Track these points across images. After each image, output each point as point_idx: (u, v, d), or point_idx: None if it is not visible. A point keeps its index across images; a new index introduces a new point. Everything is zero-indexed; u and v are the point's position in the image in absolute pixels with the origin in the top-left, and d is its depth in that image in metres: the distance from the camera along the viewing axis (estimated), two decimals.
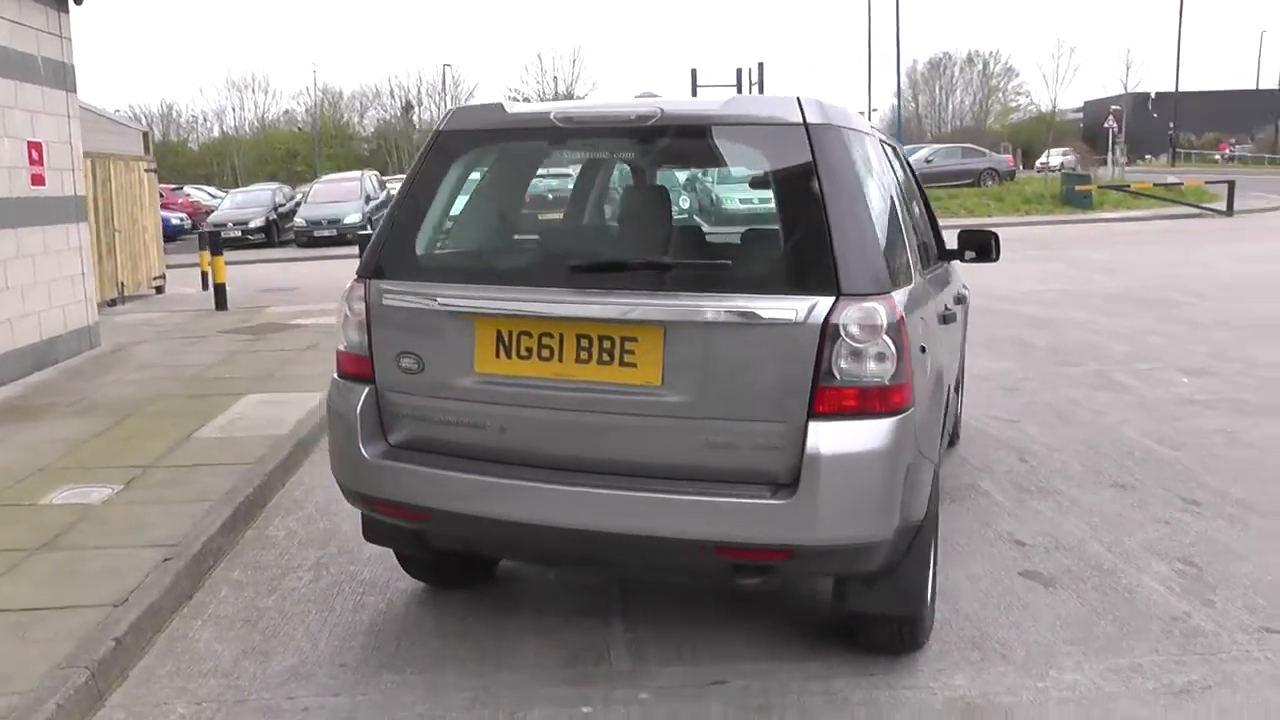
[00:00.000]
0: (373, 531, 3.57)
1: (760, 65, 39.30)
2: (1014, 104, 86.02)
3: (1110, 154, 37.15)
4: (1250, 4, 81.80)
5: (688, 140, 3.12)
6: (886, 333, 2.72)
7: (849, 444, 2.72)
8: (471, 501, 3.01)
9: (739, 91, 31.95)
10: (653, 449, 2.87)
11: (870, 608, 3.14)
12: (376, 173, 32.99)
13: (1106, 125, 39.64)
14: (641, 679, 3.29)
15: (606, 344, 2.87)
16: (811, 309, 2.72)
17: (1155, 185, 28.52)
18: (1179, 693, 3.19)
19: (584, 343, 2.89)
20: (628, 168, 3.43)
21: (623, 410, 2.86)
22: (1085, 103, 74.08)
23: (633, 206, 3.26)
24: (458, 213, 3.30)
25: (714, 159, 3.16)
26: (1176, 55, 69.41)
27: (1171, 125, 57.51)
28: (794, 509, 2.72)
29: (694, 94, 29.29)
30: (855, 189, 2.84)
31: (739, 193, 2.80)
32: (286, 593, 4.01)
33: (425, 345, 3.10)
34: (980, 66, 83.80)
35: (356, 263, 3.40)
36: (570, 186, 3.57)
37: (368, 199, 25.73)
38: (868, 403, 2.74)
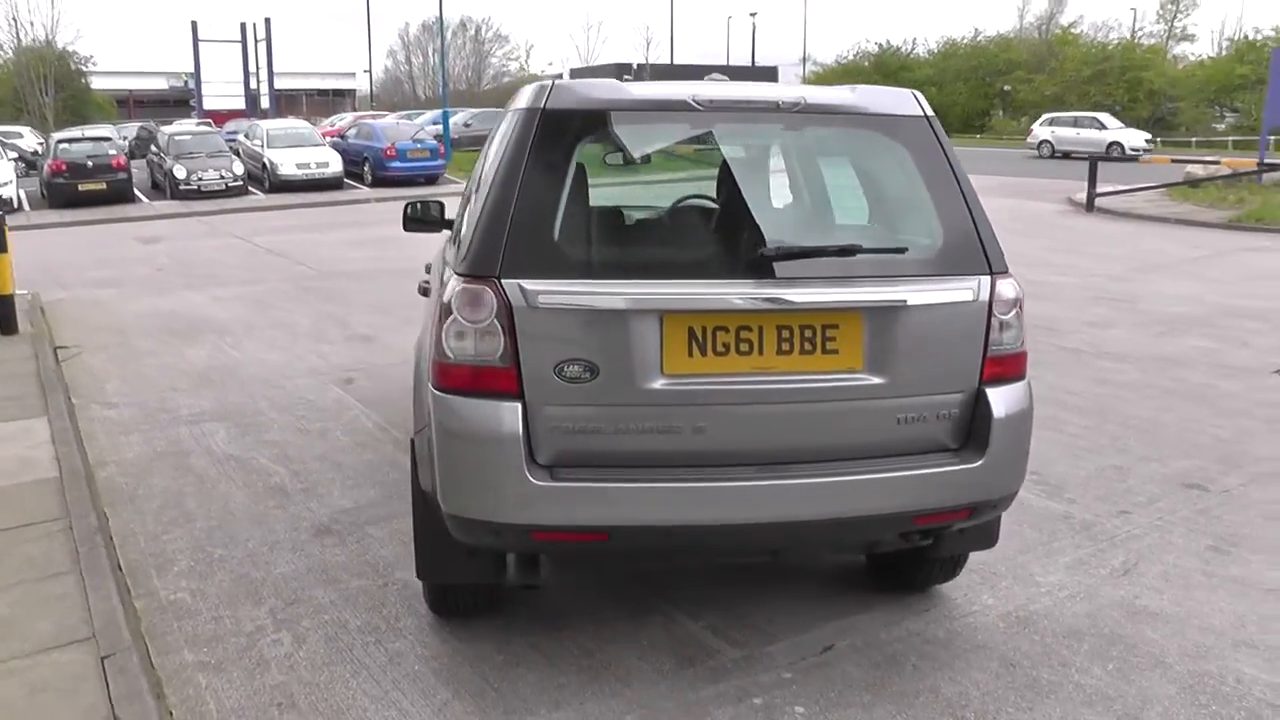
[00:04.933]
0: (442, 602, 3.29)
1: (268, 21, 36.74)
2: (504, 69, 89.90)
3: None
4: None
5: (827, 128, 3.15)
6: (1017, 305, 3.10)
7: (1013, 405, 3.04)
8: (666, 511, 2.79)
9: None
10: (852, 432, 2.92)
11: (960, 549, 3.50)
12: None
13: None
14: (762, 661, 3.34)
15: (808, 333, 2.84)
16: (978, 287, 2.99)
17: None
18: (1122, 573, 4.04)
19: (785, 333, 2.83)
20: (769, 153, 3.31)
21: (826, 398, 2.87)
22: (571, 69, 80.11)
23: (792, 193, 3.19)
24: (592, 200, 2.93)
25: (847, 147, 3.18)
26: (671, 30, 77.84)
27: None
28: (982, 470, 2.97)
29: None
30: (966, 174, 3.14)
31: (839, 179, 2.76)
32: (288, 666, 3.32)
33: (598, 349, 2.77)
34: (473, 31, 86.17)
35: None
36: (700, 171, 3.36)
37: None
38: (1012, 368, 3.09)
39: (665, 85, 3.08)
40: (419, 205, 5.00)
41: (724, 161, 3.02)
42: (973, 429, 3.03)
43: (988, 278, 3.02)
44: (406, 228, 5.13)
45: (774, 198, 3.20)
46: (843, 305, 2.85)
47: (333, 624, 3.56)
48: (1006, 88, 50.95)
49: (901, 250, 2.98)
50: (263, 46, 35.92)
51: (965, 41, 57.24)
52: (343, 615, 3.63)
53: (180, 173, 20.60)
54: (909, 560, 3.64)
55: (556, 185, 2.87)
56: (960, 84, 53.51)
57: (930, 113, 3.15)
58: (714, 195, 3.18)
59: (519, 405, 2.77)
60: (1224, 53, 46.21)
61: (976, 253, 3.03)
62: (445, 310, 2.83)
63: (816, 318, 2.84)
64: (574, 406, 2.80)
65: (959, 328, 2.98)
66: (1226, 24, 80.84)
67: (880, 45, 60.26)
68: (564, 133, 2.89)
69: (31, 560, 3.96)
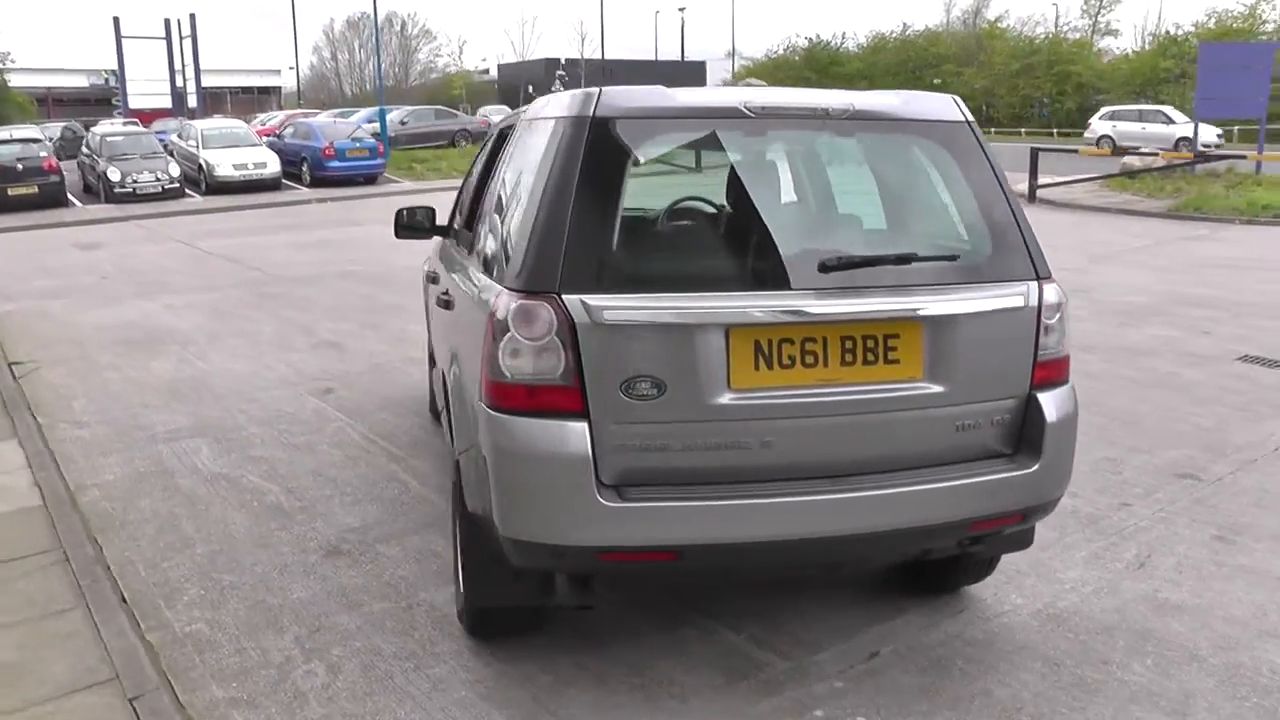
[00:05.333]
0: (483, 625, 3.22)
1: (193, 17, 35.75)
2: (432, 65, 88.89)
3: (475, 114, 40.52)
4: None
5: (875, 134, 3.11)
6: (1061, 309, 3.11)
7: (1063, 409, 3.06)
8: (738, 528, 2.74)
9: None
10: (913, 441, 2.90)
11: (1001, 551, 3.52)
12: None
13: (528, 88, 43.05)
14: (811, 672, 3.31)
15: (870, 343, 2.82)
16: (1028, 293, 3.00)
17: None
18: (1138, 566, 4.11)
19: (848, 344, 2.80)
20: (820, 160, 3.25)
21: (888, 408, 2.84)
22: (499, 66, 79.40)
23: (844, 200, 3.13)
24: (646, 210, 2.84)
25: (895, 153, 3.14)
26: (601, 25, 77.69)
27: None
28: (1036, 475, 2.99)
29: None
30: (1007, 179, 3.14)
31: (888, 186, 2.71)
32: (327, 698, 3.19)
33: (666, 365, 2.69)
34: (399, 27, 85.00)
35: None
36: (754, 180, 3.26)
37: None
38: (1059, 372, 3.11)
39: (711, 92, 3.02)
40: (411, 212, 4.94)
41: (778, 169, 2.97)
42: (1024, 434, 3.04)
43: (1035, 283, 3.03)
44: (398, 235, 5.06)
45: (828, 206, 3.17)
46: (905, 315, 2.84)
47: (365, 651, 3.44)
48: (937, 81, 51.85)
49: (954, 257, 2.98)
50: (188, 43, 34.85)
51: (894, 36, 58.14)
52: (373, 641, 3.51)
53: (114, 175, 19.89)
54: (942, 563, 3.65)
55: (611, 196, 2.79)
56: (890, 78, 54.29)
57: (970, 117, 3.15)
58: (769, 204, 3.14)
59: (585, 424, 2.70)
60: (1147, 47, 47.71)
61: (1024, 258, 3.04)
62: (500, 327, 2.74)
63: (879, 328, 2.82)
64: (641, 424, 2.73)
65: (1011, 334, 2.98)
66: (1149, 19, 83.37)
67: (810, 39, 60.84)
68: (615, 142, 2.81)
69: (29, 597, 3.76)
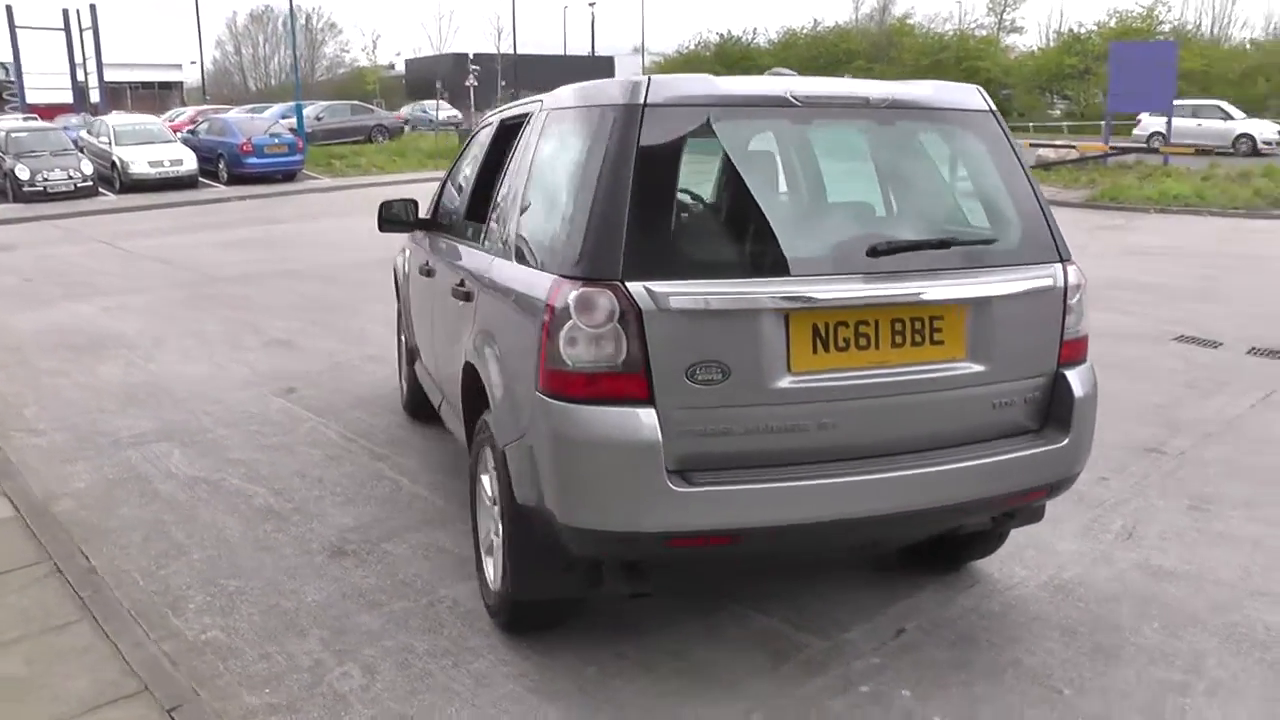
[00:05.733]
0: (521, 619, 3.24)
1: (94, 9, 34.30)
2: (339, 60, 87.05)
3: (473, 110, 40.18)
4: None
5: (913, 123, 3.17)
6: (1083, 290, 3.23)
7: (1088, 385, 3.19)
8: (799, 510, 2.77)
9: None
10: (955, 419, 2.98)
11: (1017, 524, 3.64)
12: None
13: (438, 84, 42.50)
14: (847, 650, 3.38)
15: (917, 324, 2.89)
16: (1057, 274, 3.12)
17: None
18: (1126, 537, 4.30)
19: (898, 326, 2.87)
20: (862, 148, 3.26)
21: (935, 388, 2.91)
22: (407, 61, 78.11)
23: (886, 186, 3.17)
24: (700, 196, 2.85)
25: (930, 141, 3.19)
26: (513, 21, 76.90)
27: (502, 84, 63.61)
28: (1067, 448, 3.11)
29: None
30: (1027, 165, 3.25)
31: (923, 172, 2.75)
32: (369, 699, 3.12)
33: (731, 350, 2.71)
34: (303, 21, 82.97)
35: None
36: (801, 166, 3.28)
37: None
38: (1081, 350, 3.24)
39: (754, 81, 3.05)
40: (394, 206, 4.92)
41: (823, 156, 3.02)
42: (1051, 410, 3.15)
43: (1060, 265, 3.15)
44: (382, 229, 5.03)
45: (872, 191, 3.23)
46: (951, 297, 2.92)
47: (398, 650, 3.38)
48: (849, 77, 52.75)
49: (991, 241, 3.07)
50: (89, 35, 33.30)
51: (805, 31, 58.83)
52: (403, 639, 3.45)
53: (23, 173, 18.94)
54: (956, 540, 3.75)
55: (666, 183, 2.81)
56: (803, 73, 54.96)
57: (994, 107, 3.25)
58: (816, 190, 3.18)
59: (653, 410, 2.70)
60: (1052, 44, 49.40)
61: (1049, 241, 3.15)
62: (559, 315, 2.72)
63: (926, 310, 2.90)
64: (704, 409, 2.75)
65: (1042, 314, 3.10)
66: (1052, 17, 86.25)
67: (721, 35, 61.18)
68: (668, 129, 2.83)
69: (26, 612, 3.58)
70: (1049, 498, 3.28)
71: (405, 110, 40.94)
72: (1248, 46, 45.16)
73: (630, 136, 2.79)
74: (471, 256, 3.83)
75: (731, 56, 57.62)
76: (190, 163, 21.39)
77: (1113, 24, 43.05)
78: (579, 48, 78.98)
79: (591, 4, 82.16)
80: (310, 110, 32.34)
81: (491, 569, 3.50)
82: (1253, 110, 30.64)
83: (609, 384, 2.72)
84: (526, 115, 3.73)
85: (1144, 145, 23.26)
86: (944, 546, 3.79)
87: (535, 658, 3.31)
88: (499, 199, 3.71)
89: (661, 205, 2.80)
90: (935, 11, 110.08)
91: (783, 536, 2.85)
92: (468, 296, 3.65)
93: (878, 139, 3.14)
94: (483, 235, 3.79)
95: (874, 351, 2.86)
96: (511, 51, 66.82)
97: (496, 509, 3.40)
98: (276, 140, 23.12)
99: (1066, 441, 3.11)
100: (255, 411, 6.22)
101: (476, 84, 41.44)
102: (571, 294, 2.72)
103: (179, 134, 24.83)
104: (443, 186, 5.22)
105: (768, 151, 3.38)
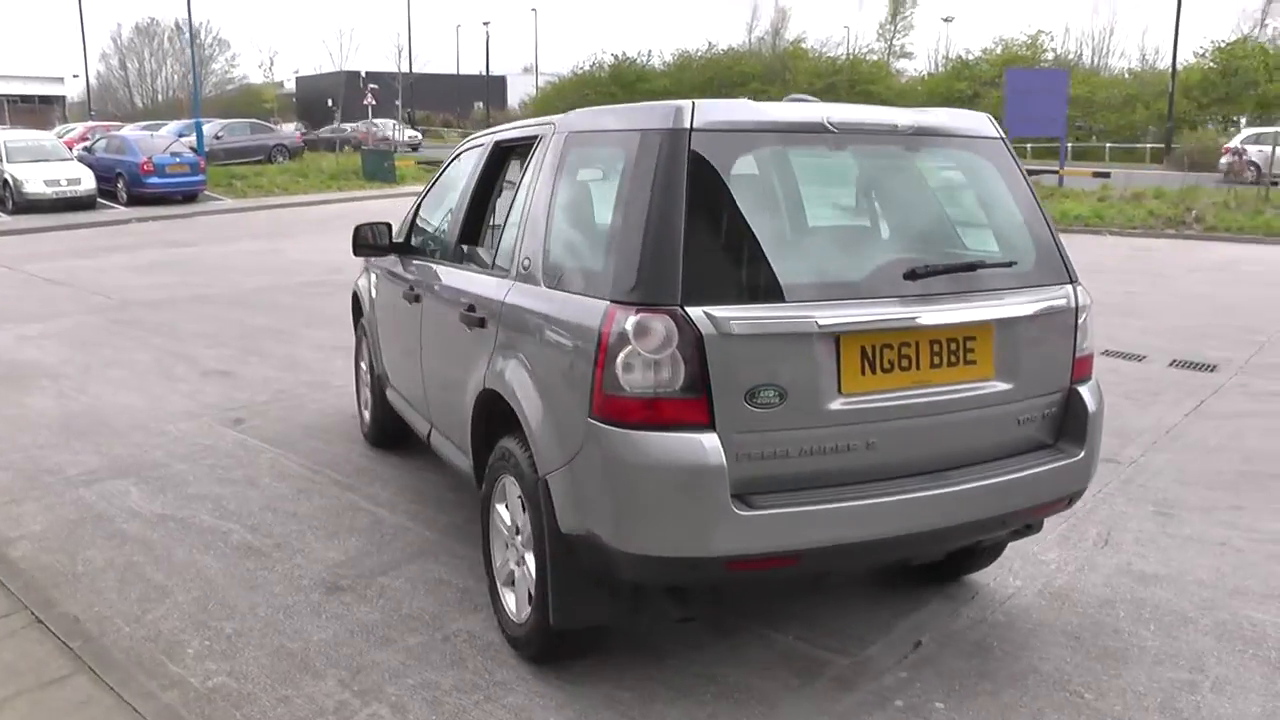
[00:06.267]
0: (553, 649, 3.22)
1: None
2: (228, 78, 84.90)
3: (393, 130, 39.65)
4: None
5: (936, 149, 3.27)
6: (1089, 310, 3.38)
7: (1097, 401, 3.34)
8: (853, 529, 2.81)
9: None
10: (985, 436, 3.07)
11: (1023, 536, 3.75)
12: None
13: (329, 102, 41.81)
14: (871, 666, 3.43)
15: (953, 345, 2.97)
16: (1069, 295, 3.27)
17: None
18: (1104, 544, 4.48)
19: (936, 347, 2.95)
20: (893, 173, 3.29)
21: (969, 406, 3.00)
22: (298, 79, 76.46)
23: (915, 211, 3.22)
24: (745, 221, 2.85)
25: (950, 167, 3.28)
26: (409, 39, 76.16)
27: (398, 103, 62.76)
28: (1083, 461, 3.24)
29: None
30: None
31: (945, 197, 2.80)
32: None
33: (787, 373, 2.74)
34: (189, 35, 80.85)
35: None
36: (836, 192, 3.29)
37: None
38: (1089, 367, 3.38)
39: (792, 107, 3.10)
40: (371, 230, 4.87)
41: (855, 181, 3.09)
42: (1064, 425, 3.28)
43: (1070, 285, 3.29)
44: (356, 252, 4.95)
45: (904, 215, 3.31)
46: (982, 319, 3.03)
47: (423, 687, 3.28)
48: (744, 99, 53.78)
49: (1012, 263, 3.18)
50: None
51: (700, 54, 59.66)
52: (427, 676, 3.35)
53: None
54: (958, 553, 3.86)
55: (717, 208, 2.83)
56: (697, 95, 55.63)
57: (1003, 134, 3.38)
58: (855, 214, 3.24)
59: (715, 435, 2.71)
60: (940, 70, 51.40)
61: (1060, 263, 3.30)
62: (618, 340, 2.71)
63: (962, 330, 2.99)
64: (763, 432, 2.77)
65: (1057, 333, 3.24)
66: (941, 44, 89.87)
67: (615, 56, 61.62)
68: (715, 153, 2.85)
69: (12, 666, 3.34)
70: (1068, 508, 3.41)
71: (351, 127, 39.44)
72: (1126, 75, 47.74)
73: (679, 161, 2.80)
74: (480, 281, 3.77)
75: (626, 78, 58.01)
76: (89, 182, 20.46)
77: (999, 51, 45.08)
78: (472, 67, 78.67)
79: (486, 24, 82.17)
80: (209, 129, 31.33)
81: (513, 601, 3.44)
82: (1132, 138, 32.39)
83: (669, 409, 2.71)
84: (536, 137, 3.70)
85: (1037, 168, 24.38)
86: (950, 559, 3.89)
87: (569, 688, 3.26)
88: (509, 223, 3.66)
89: (713, 230, 2.82)
90: (827, 36, 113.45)
91: (842, 555, 2.89)
92: (481, 323, 3.59)
93: (904, 164, 3.23)
94: (492, 259, 3.74)
95: (915, 372, 2.94)
96: (409, 70, 66.09)
97: (519, 539, 3.35)
98: (178, 160, 22.32)
99: (1082, 454, 3.24)
100: (208, 444, 5.97)
101: (375, 102, 40.89)
102: (629, 320, 2.71)
103: (73, 151, 23.75)
104: (416, 210, 5.13)
105: (808, 177, 3.43)
